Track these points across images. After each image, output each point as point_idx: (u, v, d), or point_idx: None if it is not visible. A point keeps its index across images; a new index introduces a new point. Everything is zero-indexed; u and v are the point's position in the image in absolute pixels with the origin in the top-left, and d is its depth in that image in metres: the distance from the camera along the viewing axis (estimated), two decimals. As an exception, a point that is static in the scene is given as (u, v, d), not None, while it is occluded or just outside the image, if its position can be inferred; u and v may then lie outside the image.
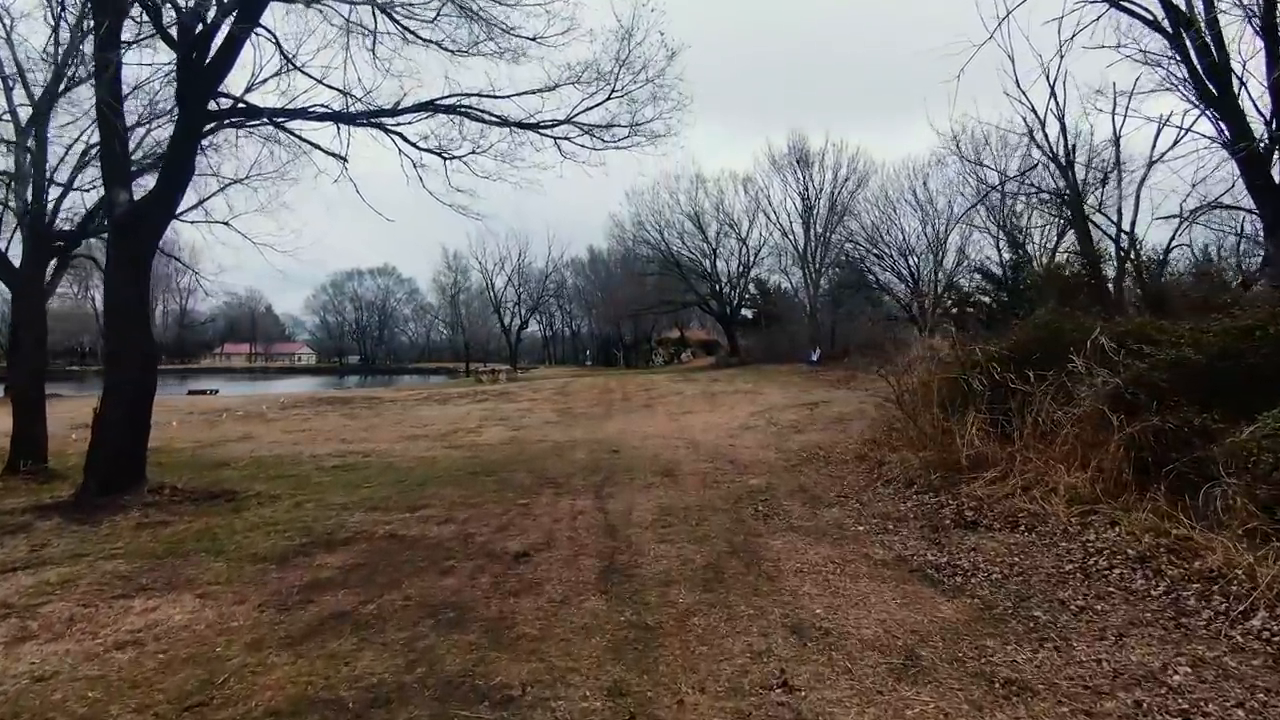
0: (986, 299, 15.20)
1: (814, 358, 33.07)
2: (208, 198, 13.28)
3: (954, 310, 16.71)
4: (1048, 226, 24.15)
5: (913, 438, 9.10)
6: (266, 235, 16.71)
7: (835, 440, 12.53)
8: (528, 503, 8.35)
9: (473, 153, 11.08)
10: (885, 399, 18.80)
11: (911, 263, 31.38)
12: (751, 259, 44.67)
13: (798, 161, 41.85)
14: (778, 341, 41.96)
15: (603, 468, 10.73)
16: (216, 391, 32.43)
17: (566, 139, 10.40)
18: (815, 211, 42.27)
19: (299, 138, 10.28)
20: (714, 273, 44.72)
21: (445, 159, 11.00)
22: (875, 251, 32.57)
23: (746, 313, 49.13)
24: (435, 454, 12.87)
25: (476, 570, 5.74)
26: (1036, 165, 15.12)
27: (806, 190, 42.00)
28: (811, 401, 19.84)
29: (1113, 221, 14.94)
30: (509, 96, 9.89)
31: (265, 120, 10.01)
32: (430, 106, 9.72)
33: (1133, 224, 14.29)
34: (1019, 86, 15.32)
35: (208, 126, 9.47)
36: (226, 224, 12.92)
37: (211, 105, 9.21)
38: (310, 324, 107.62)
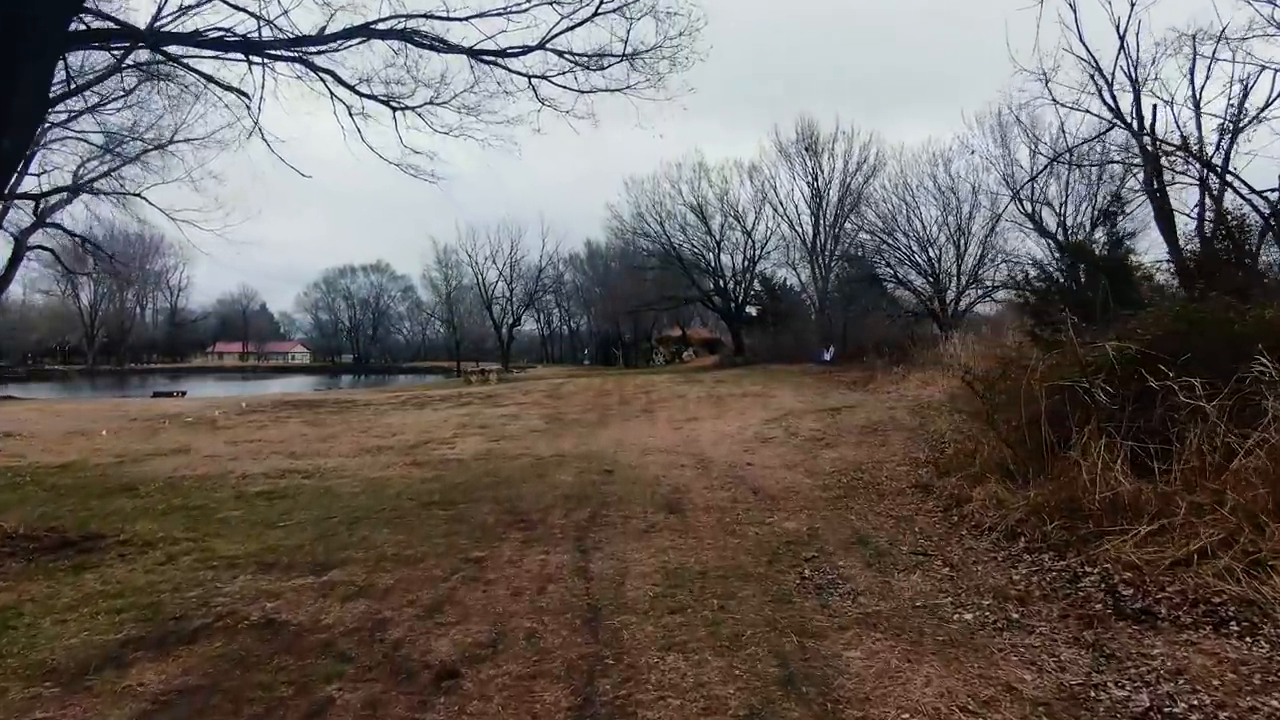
0: (1073, 284, 12.85)
1: (826, 357, 30.83)
2: (119, 166, 11.06)
3: (1029, 299, 14.22)
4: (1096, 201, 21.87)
5: (1005, 465, 6.82)
6: (191, 212, 14.44)
7: (877, 459, 10.27)
8: (484, 556, 6.10)
9: (429, 103, 8.84)
10: (920, 405, 16.63)
11: (931, 254, 29.12)
12: (757, 253, 42.42)
13: (807, 149, 39.61)
14: (784, 340, 39.71)
15: (591, 496, 8.49)
16: (184, 393, 30.25)
17: (544, 78, 8.14)
18: (825, 202, 40.05)
19: (196, 72, 7.99)
20: (718, 267, 42.46)
21: (394, 109, 8.76)
22: (890, 242, 30.31)
23: (751, 310, 46.86)
24: (391, 474, 10.62)
25: (367, 708, 3.50)
26: (1112, 128, 12.85)
27: (816, 179, 39.77)
28: (832, 407, 17.61)
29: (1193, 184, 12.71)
30: (465, 19, 7.63)
31: (154, 56, 7.74)
32: (365, 31, 7.46)
33: (1218, 198, 12.05)
34: (1082, 41, 13.05)
35: (67, 56, 7.20)
36: (139, 195, 10.69)
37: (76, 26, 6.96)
38: (305, 322, 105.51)
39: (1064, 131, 18.21)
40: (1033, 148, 27.03)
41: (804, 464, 10.27)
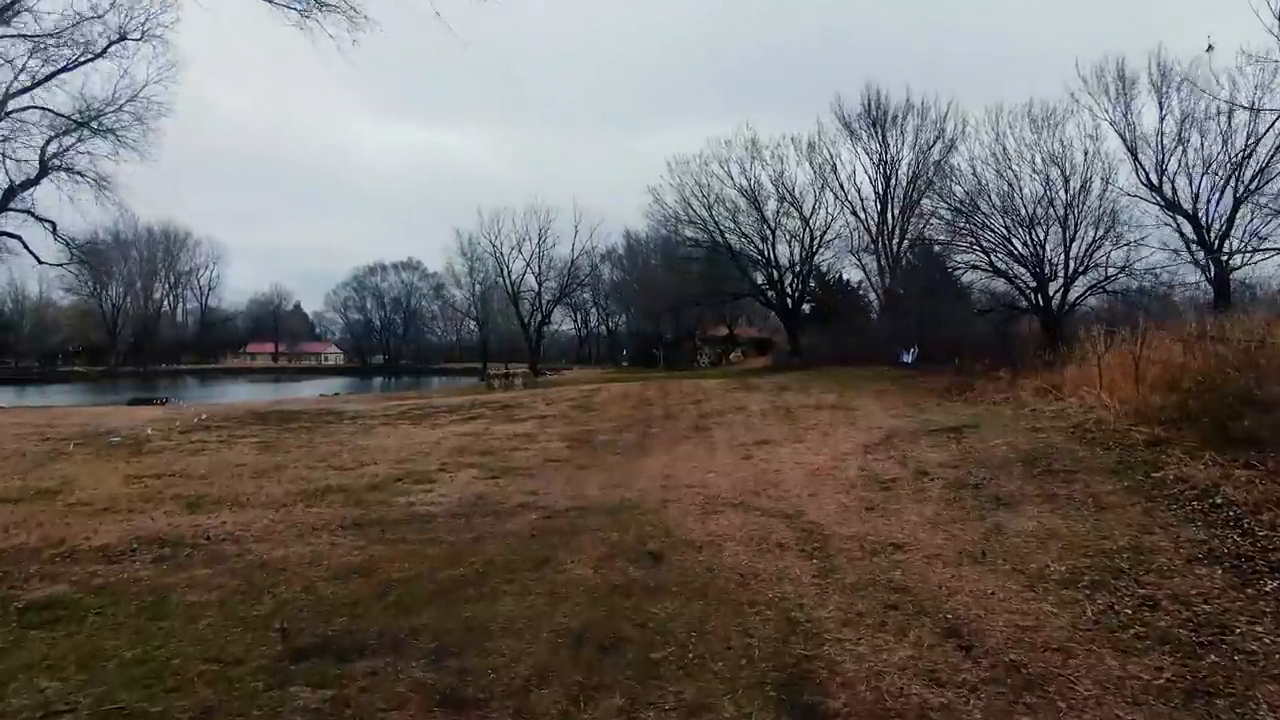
0: None
1: (906, 358, 26.25)
2: None
3: None
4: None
5: None
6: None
7: (1122, 542, 5.84)
8: None
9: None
10: (1078, 426, 12.13)
11: (1037, 235, 24.18)
12: (816, 242, 37.69)
13: (873, 123, 34.95)
14: (847, 339, 35.07)
15: (623, 641, 4.28)
16: (166, 400, 26.83)
17: None
18: (894, 183, 35.39)
19: None
20: (772, 258, 37.78)
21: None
22: (984, 222, 25.38)
23: (806, 306, 42.13)
24: (301, 552, 6.53)
25: None
26: None
27: (884, 155, 35.13)
28: (946, 426, 13.15)
29: None
30: None
31: None
32: None
33: None
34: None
35: None
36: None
37: None
38: (337, 322, 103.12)
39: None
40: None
41: (996, 550, 5.89)
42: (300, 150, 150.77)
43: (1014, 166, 24.30)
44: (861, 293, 41.74)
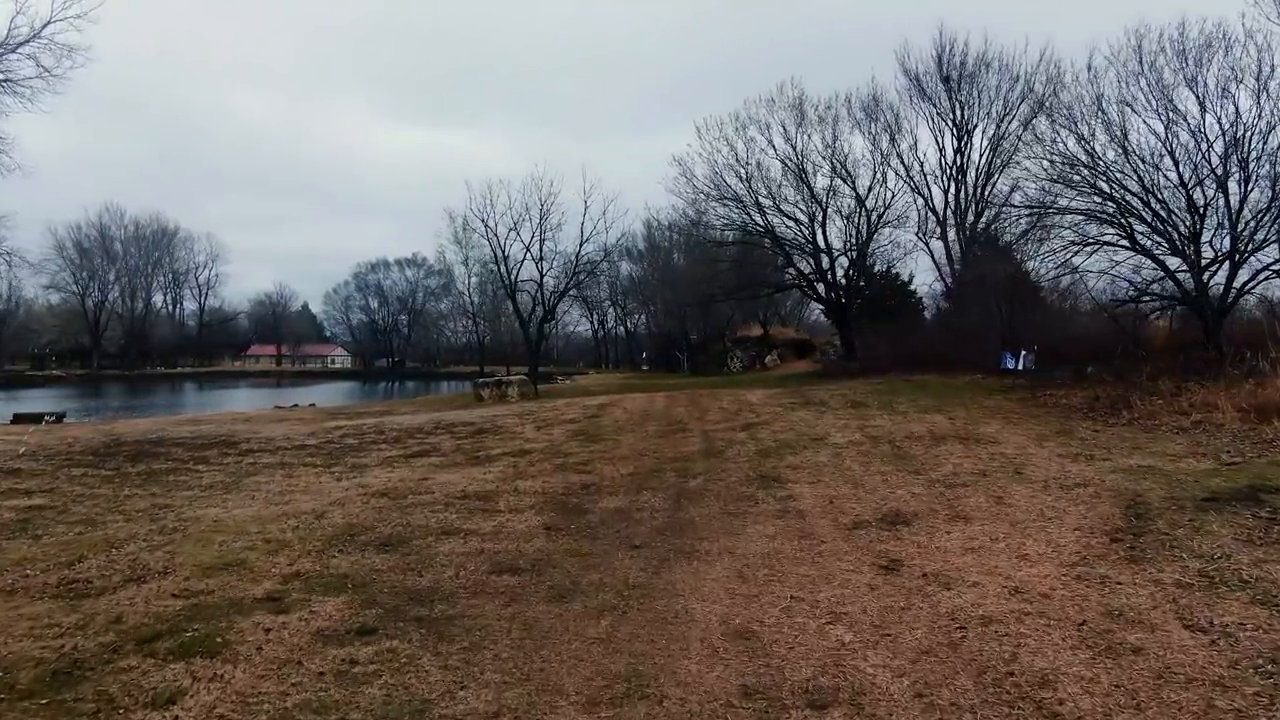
0: None
1: (1013, 364, 20.30)
2: None
3: None
4: None
5: None
6: None
7: None
8: None
9: None
10: None
11: (1198, 198, 18.05)
12: (872, 226, 31.65)
13: (945, 79, 29.02)
14: (909, 340, 29.12)
15: None
16: (61, 417, 21.45)
17: None
18: (967, 150, 29.50)
19: None
20: (825, 243, 31.70)
21: None
22: (1119, 182, 19.23)
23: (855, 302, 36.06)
24: None
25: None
26: None
27: (957, 119, 29.23)
28: (1216, 488, 7.47)
29: None
30: None
31: None
32: None
33: None
34: None
35: None
36: None
37: None
38: (339, 323, 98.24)
39: None
40: None
41: None
42: (316, 154, 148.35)
43: (1171, 106, 18.20)
44: (913, 288, 35.70)
